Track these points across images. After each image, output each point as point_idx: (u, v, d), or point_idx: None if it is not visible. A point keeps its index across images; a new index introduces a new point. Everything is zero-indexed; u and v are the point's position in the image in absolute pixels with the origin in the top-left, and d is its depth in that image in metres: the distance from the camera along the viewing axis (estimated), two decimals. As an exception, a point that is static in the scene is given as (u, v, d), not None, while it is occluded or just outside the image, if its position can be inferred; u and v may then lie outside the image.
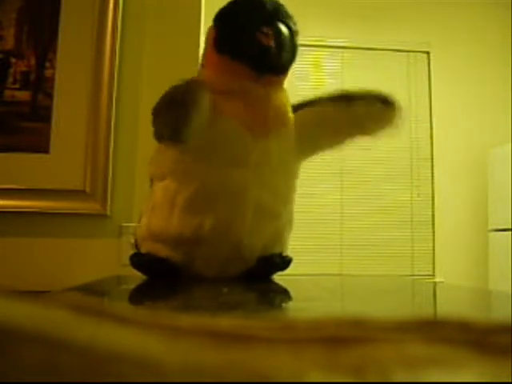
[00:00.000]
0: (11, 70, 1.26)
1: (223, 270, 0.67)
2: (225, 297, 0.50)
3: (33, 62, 1.26)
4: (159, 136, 0.65)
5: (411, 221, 3.13)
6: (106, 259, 1.20)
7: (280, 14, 0.66)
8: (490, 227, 2.96)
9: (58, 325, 0.15)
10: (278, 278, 0.72)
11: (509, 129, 3.10)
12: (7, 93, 1.26)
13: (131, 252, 0.72)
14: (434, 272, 3.10)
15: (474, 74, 3.24)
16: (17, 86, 1.26)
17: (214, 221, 0.64)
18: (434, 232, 3.13)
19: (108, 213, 1.23)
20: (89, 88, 1.25)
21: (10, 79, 1.26)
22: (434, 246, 3.12)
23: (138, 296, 0.60)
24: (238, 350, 0.15)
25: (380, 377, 0.13)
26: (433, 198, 3.15)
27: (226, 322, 0.17)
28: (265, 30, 0.63)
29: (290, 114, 0.70)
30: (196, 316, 0.18)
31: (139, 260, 0.69)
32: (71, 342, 0.14)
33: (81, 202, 1.23)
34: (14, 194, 1.21)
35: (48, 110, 1.25)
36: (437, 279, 3.03)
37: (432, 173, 3.17)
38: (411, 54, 3.24)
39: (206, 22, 1.31)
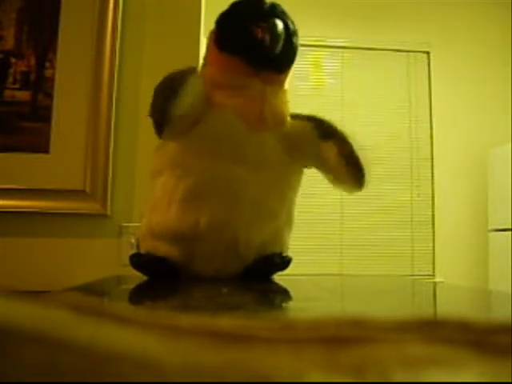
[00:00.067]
0: (11, 70, 1.26)
1: (221, 268, 0.68)
2: (225, 297, 0.50)
3: (33, 62, 1.26)
4: (155, 126, 0.67)
5: (411, 221, 3.13)
6: (106, 259, 1.20)
7: (277, 13, 0.68)
8: (490, 227, 2.96)
9: (58, 325, 0.15)
10: (278, 277, 0.72)
11: (509, 129, 3.10)
12: (7, 93, 1.26)
13: (131, 252, 0.73)
14: (434, 272, 3.10)
15: (474, 73, 3.24)
16: (17, 86, 1.26)
17: (211, 216, 0.64)
18: (434, 232, 3.13)
19: (108, 213, 1.23)
20: (89, 88, 1.25)
21: (10, 79, 1.26)
22: (434, 246, 3.12)
23: (138, 296, 0.60)
24: (238, 349, 0.15)
25: (380, 377, 0.13)
26: (433, 198, 3.15)
27: (225, 322, 0.17)
28: (261, 24, 0.65)
29: (288, 115, 0.70)
30: (196, 316, 0.18)
31: (139, 260, 0.69)
32: (71, 342, 0.14)
33: (81, 202, 1.23)
34: (13, 194, 1.21)
35: (48, 110, 1.25)
36: (437, 279, 3.03)
37: (432, 173, 3.17)
38: (411, 53, 3.25)
39: (206, 22, 1.31)
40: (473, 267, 3.08)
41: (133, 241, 1.17)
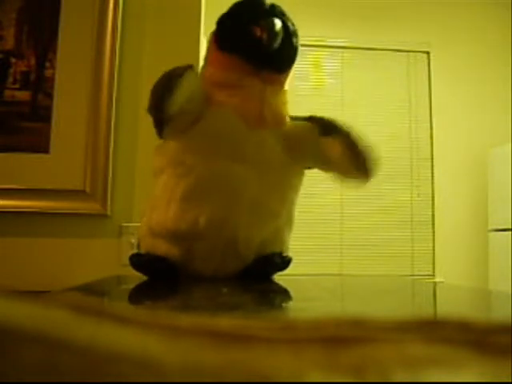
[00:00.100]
0: (11, 70, 1.26)
1: (221, 267, 0.68)
2: (225, 297, 0.50)
3: (33, 62, 1.26)
4: (155, 125, 0.67)
5: (411, 221, 3.13)
6: (106, 259, 1.20)
7: (277, 13, 0.68)
8: (490, 227, 2.96)
9: (58, 325, 0.15)
10: (278, 277, 0.72)
11: (509, 129, 3.10)
12: (7, 93, 1.26)
13: (131, 252, 0.73)
14: (434, 272, 3.10)
15: (474, 73, 3.24)
16: (17, 86, 1.26)
17: (210, 214, 0.64)
18: (434, 232, 3.13)
19: (108, 213, 1.24)
20: (89, 88, 1.25)
21: (10, 79, 1.26)
22: (434, 246, 3.12)
23: (138, 296, 0.60)
24: (238, 349, 0.15)
25: (380, 377, 0.13)
26: (433, 198, 3.15)
27: (225, 322, 0.17)
28: (259, 23, 0.65)
29: (287, 116, 0.70)
30: (196, 316, 0.18)
31: (139, 260, 0.69)
32: (71, 342, 0.14)
33: (81, 202, 1.23)
34: (13, 193, 1.21)
35: (48, 109, 1.25)
36: (437, 279, 3.03)
37: (432, 173, 3.17)
38: (411, 53, 3.25)
39: (206, 22, 1.31)
40: (473, 267, 3.08)
41: (133, 241, 1.17)
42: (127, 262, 0.70)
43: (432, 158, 3.18)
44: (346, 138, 0.68)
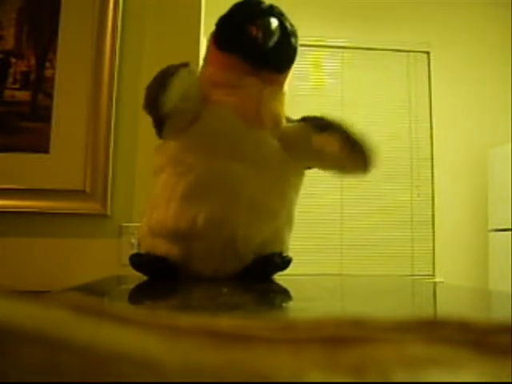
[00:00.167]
0: (11, 70, 1.26)
1: (220, 267, 0.68)
2: (225, 297, 0.50)
3: (33, 62, 1.26)
4: (154, 125, 0.67)
5: (411, 221, 3.13)
6: (106, 259, 1.20)
7: (275, 13, 0.69)
8: (490, 227, 2.96)
9: (58, 325, 0.15)
10: (278, 278, 0.72)
11: (509, 129, 3.10)
12: (7, 93, 1.26)
13: (131, 252, 0.73)
14: (434, 272, 3.10)
15: (474, 73, 3.24)
16: (17, 86, 1.26)
17: (208, 213, 0.64)
18: (434, 232, 3.13)
19: (108, 213, 1.24)
20: (89, 88, 1.25)
21: (10, 79, 1.26)
22: (434, 246, 3.12)
23: (138, 296, 0.60)
24: (238, 349, 0.15)
25: (380, 377, 0.13)
26: (433, 198, 3.15)
27: (225, 322, 0.17)
28: (255, 22, 0.66)
29: (284, 118, 0.71)
30: (196, 316, 0.18)
31: (139, 260, 0.69)
32: (71, 342, 0.14)
33: (81, 202, 1.23)
34: (13, 194, 1.21)
35: (48, 110, 1.25)
36: (437, 279, 3.03)
37: (432, 173, 3.17)
38: (411, 53, 3.25)
39: (206, 22, 1.31)
40: (473, 267, 3.08)
41: (133, 241, 1.17)
42: (127, 262, 0.70)
43: (432, 158, 3.18)
44: (340, 132, 0.68)
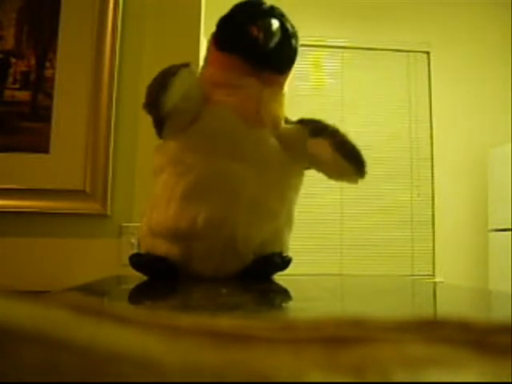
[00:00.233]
0: (11, 70, 1.26)
1: (220, 267, 0.68)
2: (224, 297, 0.50)
3: (33, 62, 1.26)
4: (154, 125, 0.67)
5: (411, 221, 3.13)
6: (106, 259, 1.20)
7: (276, 14, 0.69)
8: (490, 227, 2.96)
9: (58, 325, 0.15)
10: (278, 278, 0.72)
11: (509, 129, 3.10)
12: (7, 93, 1.26)
13: (131, 252, 0.73)
14: (433, 272, 3.10)
15: (474, 73, 3.24)
16: (17, 86, 1.26)
17: (208, 213, 0.65)
18: (434, 232, 3.13)
19: (108, 213, 1.24)
20: (89, 88, 1.25)
21: (10, 79, 1.26)
22: (434, 246, 3.12)
23: (138, 296, 0.60)
24: (238, 350, 0.15)
25: (380, 377, 0.13)
26: (433, 198, 3.15)
27: (225, 322, 0.17)
28: (256, 23, 0.66)
29: (283, 119, 0.71)
30: (196, 316, 0.18)
31: (138, 260, 0.69)
32: (71, 342, 0.14)
33: (81, 202, 1.23)
34: (13, 194, 1.21)
35: (48, 109, 1.25)
36: (437, 279, 3.03)
37: (432, 173, 3.17)
38: (411, 54, 3.25)
39: (206, 22, 1.31)
40: (473, 267, 3.08)
41: (133, 241, 1.17)
42: (127, 262, 0.70)
43: (432, 158, 3.18)
44: (334, 139, 0.68)
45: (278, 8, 0.70)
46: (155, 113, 0.65)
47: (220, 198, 0.65)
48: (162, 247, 0.67)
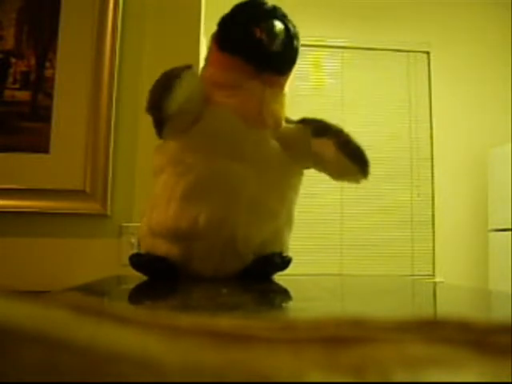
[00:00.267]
0: (11, 70, 1.26)
1: (220, 267, 0.68)
2: (224, 297, 0.50)
3: (33, 62, 1.26)
4: (155, 125, 0.67)
5: (411, 221, 3.13)
6: (106, 259, 1.20)
7: (278, 15, 0.69)
8: (490, 227, 2.96)
9: (58, 325, 0.15)
10: (278, 277, 0.72)
11: (509, 129, 3.10)
12: (7, 93, 1.26)
13: (131, 252, 0.73)
14: (434, 272, 3.10)
15: (474, 73, 3.24)
16: (17, 86, 1.26)
17: (209, 213, 0.65)
18: (434, 232, 3.13)
19: (108, 213, 1.24)
20: (89, 88, 1.25)
21: (10, 79, 1.26)
22: (434, 246, 3.12)
23: (138, 296, 0.60)
24: (238, 350, 0.15)
25: (380, 377, 0.13)
26: (433, 198, 3.15)
27: (225, 322, 0.17)
28: (260, 24, 0.66)
29: (284, 119, 0.71)
30: (196, 316, 0.18)
31: (138, 260, 0.69)
32: (71, 342, 0.14)
33: (81, 202, 1.23)
34: (14, 194, 1.21)
35: (48, 110, 1.25)
36: (437, 279, 3.03)
37: (432, 173, 3.17)
38: (411, 54, 3.25)
39: (206, 22, 1.31)
40: (473, 267, 3.08)
41: (133, 241, 1.17)
42: (127, 262, 0.70)
43: (432, 158, 3.18)
44: (338, 138, 0.68)
45: (279, 8, 0.70)
46: (158, 114, 0.65)
47: (220, 198, 0.65)
48: (162, 247, 0.67)
